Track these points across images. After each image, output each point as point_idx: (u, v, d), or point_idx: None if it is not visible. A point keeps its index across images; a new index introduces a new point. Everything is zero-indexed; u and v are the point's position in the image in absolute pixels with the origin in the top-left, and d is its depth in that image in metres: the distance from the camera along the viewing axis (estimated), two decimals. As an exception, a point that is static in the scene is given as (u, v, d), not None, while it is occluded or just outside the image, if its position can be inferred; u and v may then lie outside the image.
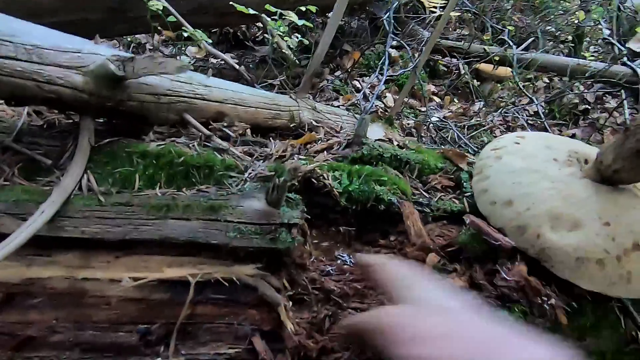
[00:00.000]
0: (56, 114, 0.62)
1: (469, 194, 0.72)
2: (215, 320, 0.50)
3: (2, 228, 0.43)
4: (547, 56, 2.12)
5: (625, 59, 1.68)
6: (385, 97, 2.01)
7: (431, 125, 1.65)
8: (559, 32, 3.17)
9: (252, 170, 0.56)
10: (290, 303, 0.52)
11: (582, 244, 0.55)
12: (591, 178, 0.60)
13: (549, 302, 0.53)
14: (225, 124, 0.66)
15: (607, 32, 2.34)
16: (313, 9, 1.21)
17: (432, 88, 2.55)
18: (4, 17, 0.45)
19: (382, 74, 1.38)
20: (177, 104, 0.62)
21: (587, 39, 3.14)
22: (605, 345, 0.60)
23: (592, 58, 2.30)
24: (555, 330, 0.56)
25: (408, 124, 1.70)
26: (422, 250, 0.62)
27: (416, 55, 2.12)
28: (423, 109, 2.10)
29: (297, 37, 1.20)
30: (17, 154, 0.50)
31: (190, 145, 0.60)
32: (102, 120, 0.59)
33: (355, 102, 1.80)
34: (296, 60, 1.57)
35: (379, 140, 0.82)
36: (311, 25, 1.32)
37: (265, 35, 1.42)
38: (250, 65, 2.00)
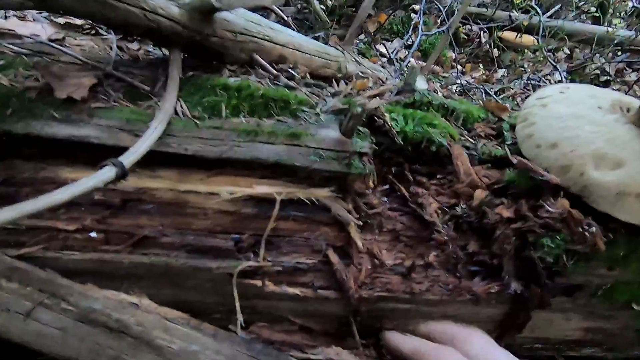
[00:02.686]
0: (135, 50, 0.67)
1: (510, 142, 0.77)
2: (295, 234, 0.56)
3: (120, 142, 0.49)
4: (575, 24, 2.10)
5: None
6: (410, 61, 2.01)
7: (458, 89, 1.68)
8: (582, 2, 3.09)
9: (323, 105, 0.61)
10: (361, 222, 0.58)
11: (623, 180, 0.60)
12: (634, 124, 0.65)
13: (590, 230, 0.59)
14: (290, 66, 0.70)
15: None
16: None
17: (453, 55, 2.54)
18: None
19: (415, 35, 1.39)
20: (249, 44, 0.66)
21: (611, 10, 3.06)
22: (632, 277, 0.67)
23: (621, 25, 2.27)
24: (590, 258, 0.63)
25: (436, 89, 1.72)
26: (470, 187, 0.67)
27: (442, 19, 2.10)
28: (445, 75, 2.10)
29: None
30: (118, 80, 0.55)
31: (262, 83, 0.64)
32: (182, 57, 0.63)
33: (382, 64, 1.81)
34: (327, 21, 1.57)
35: (425, 90, 0.86)
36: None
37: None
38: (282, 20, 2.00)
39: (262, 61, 0.67)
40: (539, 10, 2.06)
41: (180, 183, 0.52)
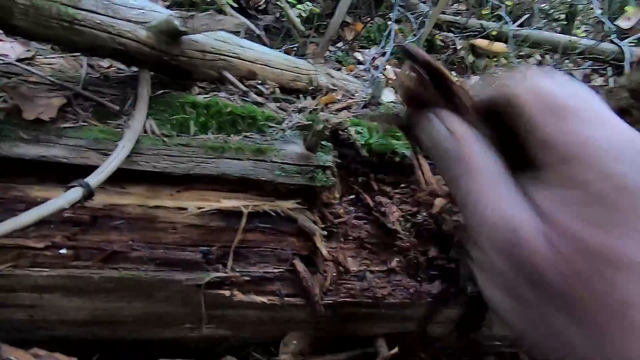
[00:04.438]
0: (106, 68, 0.68)
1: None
2: (262, 245, 0.59)
3: (88, 161, 0.51)
4: (541, 32, 2.20)
5: (613, 36, 1.78)
6: (386, 69, 2.06)
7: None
8: (553, 9, 3.22)
9: (289, 120, 0.64)
10: (325, 232, 0.61)
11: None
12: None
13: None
14: (259, 82, 0.73)
15: (599, 11, 2.42)
16: None
17: (430, 62, 2.61)
18: (83, -26, 0.50)
19: (387, 45, 1.44)
20: (217, 62, 0.68)
21: (580, 17, 3.21)
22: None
23: (584, 35, 2.39)
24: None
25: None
26: (431, 195, 0.71)
27: (415, 28, 2.17)
28: (421, 81, 2.17)
29: (309, 5, 1.25)
30: (88, 100, 0.57)
31: (231, 99, 0.67)
32: (152, 75, 0.65)
33: (358, 74, 1.86)
34: (303, 30, 1.61)
35: (391, 102, 0.90)
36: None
37: (276, 2, 1.44)
38: (254, 34, 2.02)
39: (232, 78, 0.70)
40: (508, 19, 2.15)
41: (150, 199, 0.55)
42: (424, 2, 2.58)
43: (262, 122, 0.63)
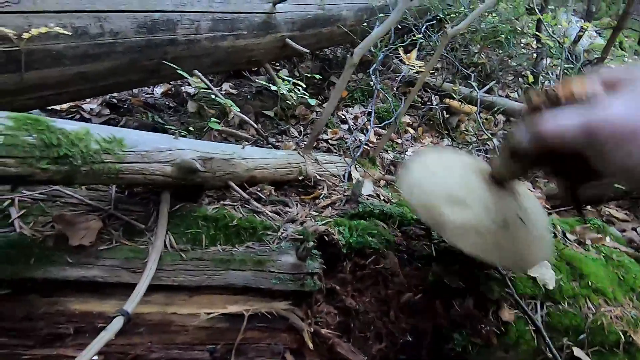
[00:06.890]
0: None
1: (436, 240, 0.97)
2: (259, 341, 0.70)
3: (120, 279, 0.62)
4: (504, 100, 2.47)
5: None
6: (368, 130, 2.26)
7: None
8: (520, 66, 3.57)
9: (284, 230, 0.78)
10: (312, 329, 0.74)
11: (470, 220, 0.77)
12: (485, 180, 0.83)
13: (485, 329, 0.78)
14: (258, 189, 0.87)
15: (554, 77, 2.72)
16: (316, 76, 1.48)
17: (408, 119, 2.84)
18: (128, 131, 0.64)
19: (367, 128, 1.61)
20: (224, 175, 0.82)
21: (544, 74, 3.56)
22: (523, 357, 0.87)
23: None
24: (488, 346, 0.82)
25: (387, 158, 1.96)
26: (398, 290, 0.85)
27: (395, 88, 2.39)
28: (400, 141, 2.37)
29: (298, 91, 1.42)
30: (118, 219, 0.68)
31: (235, 207, 0.80)
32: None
33: (342, 136, 2.04)
34: (294, 102, 1.78)
35: (369, 195, 1.06)
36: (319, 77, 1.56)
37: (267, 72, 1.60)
38: (248, 97, 2.19)
39: (236, 187, 0.83)
40: (475, 87, 2.40)
41: (167, 305, 0.66)
42: (404, 64, 2.83)
43: (261, 232, 0.76)
